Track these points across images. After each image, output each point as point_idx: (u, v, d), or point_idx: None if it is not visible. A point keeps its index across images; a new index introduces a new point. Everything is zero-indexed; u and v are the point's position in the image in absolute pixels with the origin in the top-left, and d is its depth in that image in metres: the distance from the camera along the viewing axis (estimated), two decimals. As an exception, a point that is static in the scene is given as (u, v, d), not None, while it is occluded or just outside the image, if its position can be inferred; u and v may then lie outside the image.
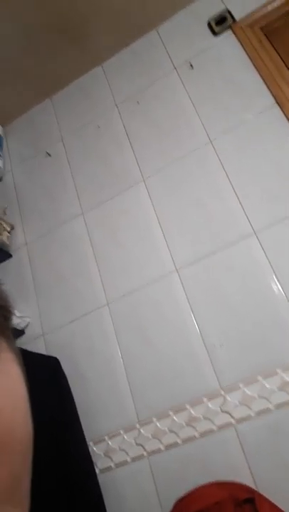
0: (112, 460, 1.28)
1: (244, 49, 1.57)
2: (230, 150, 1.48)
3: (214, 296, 1.32)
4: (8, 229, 1.72)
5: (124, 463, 1.26)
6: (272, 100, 1.47)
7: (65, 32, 1.71)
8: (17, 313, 1.56)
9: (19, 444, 0.21)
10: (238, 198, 1.41)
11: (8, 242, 1.71)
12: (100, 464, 1.29)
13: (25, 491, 0.22)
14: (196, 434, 1.20)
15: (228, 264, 1.33)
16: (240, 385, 1.20)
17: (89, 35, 1.76)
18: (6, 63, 1.75)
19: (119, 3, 1.66)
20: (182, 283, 1.38)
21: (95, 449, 1.31)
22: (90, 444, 1.31)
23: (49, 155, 1.83)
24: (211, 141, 1.52)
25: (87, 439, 1.28)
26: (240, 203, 1.40)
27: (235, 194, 1.42)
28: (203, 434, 1.19)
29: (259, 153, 1.43)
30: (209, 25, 1.67)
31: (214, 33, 1.65)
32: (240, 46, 1.59)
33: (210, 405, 1.20)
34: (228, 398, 1.19)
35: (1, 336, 0.22)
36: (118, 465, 1.27)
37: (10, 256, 1.71)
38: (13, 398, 0.22)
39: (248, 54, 1.56)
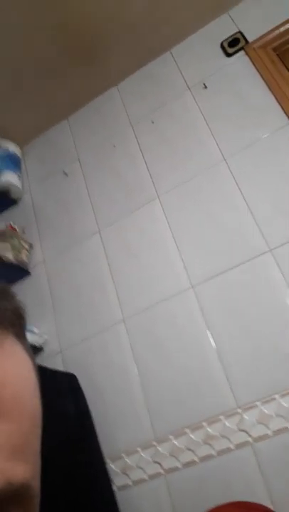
0: (129, 477, 1.29)
1: (257, 69, 1.60)
2: (244, 167, 1.50)
3: (230, 313, 1.33)
4: (27, 247, 1.77)
5: (141, 481, 1.27)
6: (285, 119, 1.49)
7: (81, 54, 1.77)
8: (35, 330, 1.59)
9: (27, 409, 0.24)
10: (252, 215, 1.42)
11: (26, 260, 1.75)
12: (117, 481, 1.30)
13: (35, 454, 0.25)
14: (214, 453, 1.20)
15: (244, 281, 1.35)
16: (258, 404, 1.20)
17: (104, 58, 1.82)
18: (24, 86, 1.82)
19: (134, 26, 1.72)
20: (198, 299, 1.40)
21: (113, 467, 1.32)
22: (108, 461, 1.32)
23: (66, 174, 1.88)
24: (225, 159, 1.55)
25: (104, 456, 1.30)
26: (254, 219, 1.41)
27: (250, 211, 1.43)
28: (220, 453, 1.19)
29: (273, 171, 1.45)
30: (222, 46, 1.71)
31: (227, 54, 1.69)
32: (253, 67, 1.62)
33: (227, 423, 1.21)
34: (245, 416, 1.20)
35: (9, 331, 0.26)
36: (135, 483, 1.27)
37: (28, 274, 1.76)
38: (20, 375, 0.25)
39: (260, 74, 1.59)
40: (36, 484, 0.24)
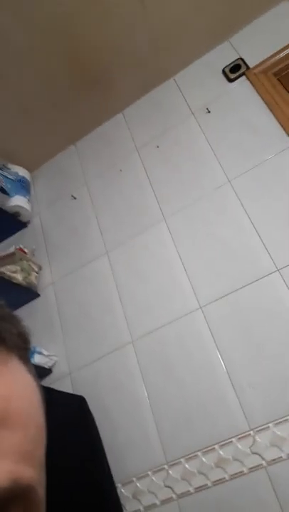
0: (140, 503, 1.26)
1: (259, 93, 1.65)
2: (249, 189, 1.53)
3: (240, 333, 1.32)
4: (36, 269, 1.79)
5: (153, 506, 1.24)
6: (288, 140, 1.52)
7: (88, 83, 1.84)
8: (44, 352, 1.59)
9: (33, 421, 0.26)
10: (258, 235, 1.44)
11: (36, 282, 1.78)
12: (128, 506, 1.27)
13: (40, 463, 0.26)
14: (226, 476, 1.18)
15: (252, 302, 1.35)
16: (270, 426, 1.18)
17: (110, 85, 1.89)
18: (33, 113, 1.89)
19: (138, 55, 1.79)
20: (206, 320, 1.40)
21: (123, 491, 1.30)
22: (118, 485, 1.30)
23: (74, 198, 1.92)
24: (229, 181, 1.57)
25: (114, 480, 1.28)
26: (261, 239, 1.43)
27: (256, 231, 1.45)
28: (233, 476, 1.17)
29: (277, 191, 1.47)
30: (224, 72, 1.77)
31: (229, 79, 1.74)
32: (254, 91, 1.67)
33: (239, 446, 1.19)
34: (258, 439, 1.18)
35: (14, 353, 0.28)
36: (147, 508, 1.25)
37: (38, 295, 1.77)
38: (25, 390, 0.27)
39: (262, 98, 1.64)
40: (42, 492, 0.25)
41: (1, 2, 1.44)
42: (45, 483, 0.29)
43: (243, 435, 1.20)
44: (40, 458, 0.26)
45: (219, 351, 1.33)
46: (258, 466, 1.15)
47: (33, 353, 1.54)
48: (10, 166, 2.02)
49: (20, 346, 0.29)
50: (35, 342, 1.60)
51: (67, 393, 1.46)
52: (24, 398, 0.26)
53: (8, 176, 1.96)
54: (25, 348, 0.30)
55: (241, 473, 1.16)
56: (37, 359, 1.54)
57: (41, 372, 1.56)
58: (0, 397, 0.24)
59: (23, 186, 2.00)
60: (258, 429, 1.19)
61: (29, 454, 0.24)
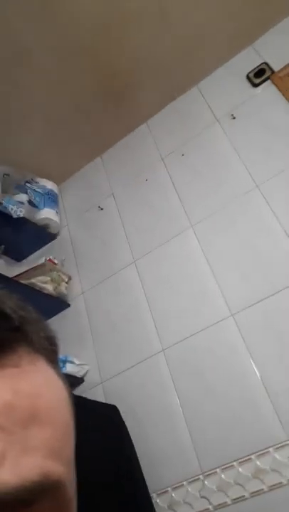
0: (176, 514, 1.25)
1: (285, 97, 1.63)
2: (277, 193, 1.51)
3: (274, 341, 1.30)
4: (66, 280, 1.82)
5: (189, 518, 1.22)
6: (316, 143, 1.50)
7: (112, 95, 1.87)
8: (76, 361, 1.61)
9: (61, 418, 0.27)
10: (289, 240, 1.41)
11: (66, 292, 1.80)
12: (164, 518, 1.26)
13: (69, 461, 0.26)
14: (264, 488, 1.14)
15: (286, 307, 1.32)
16: (309, 435, 1.14)
17: (133, 96, 1.91)
18: (59, 127, 1.93)
19: (160, 64, 1.81)
20: (238, 327, 1.38)
21: (159, 501, 1.28)
22: (153, 495, 1.29)
23: (101, 209, 1.95)
24: (257, 186, 1.56)
25: (149, 490, 1.27)
26: (291, 244, 1.40)
27: (286, 234, 1.42)
28: (271, 488, 1.13)
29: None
30: (248, 77, 1.77)
31: (254, 84, 1.74)
32: (280, 95, 1.66)
33: (277, 456, 1.16)
34: (296, 449, 1.14)
35: (42, 354, 0.29)
36: (183, 520, 1.23)
37: (68, 305, 1.80)
38: (53, 389, 0.28)
39: (288, 101, 1.62)
40: (72, 490, 0.26)
41: (25, 18, 1.49)
42: (78, 491, 0.30)
43: (280, 445, 1.17)
44: (68, 456, 0.26)
45: (252, 358, 1.31)
46: (297, 477, 1.12)
47: (64, 362, 1.56)
48: (38, 179, 2.07)
49: (48, 349, 0.30)
50: (66, 351, 1.62)
51: (100, 402, 1.46)
52: (52, 396, 0.27)
53: (37, 190, 2.02)
54: (54, 351, 0.31)
55: (280, 485, 1.13)
56: (68, 368, 1.56)
57: (73, 381, 1.58)
58: (30, 394, 0.25)
59: (52, 199, 2.04)
60: (296, 438, 1.16)
61: (58, 451, 0.25)
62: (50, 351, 0.30)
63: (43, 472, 0.23)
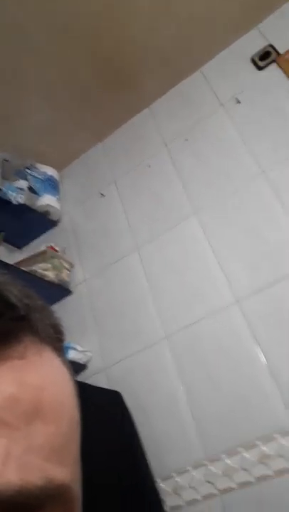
0: (181, 498, 1.25)
1: (290, 80, 1.60)
2: (283, 178, 1.49)
3: (279, 327, 1.29)
4: (68, 267, 1.80)
5: (194, 501, 1.23)
6: None
7: (114, 78, 1.83)
8: (79, 347, 1.60)
9: (66, 414, 0.26)
10: (294, 226, 1.40)
11: (68, 280, 1.79)
12: (169, 501, 1.26)
13: (74, 459, 0.25)
14: (270, 473, 1.15)
15: (291, 294, 1.31)
16: (314, 420, 1.14)
17: (136, 80, 1.88)
18: (60, 113, 1.90)
19: (163, 48, 1.77)
20: (243, 314, 1.37)
21: (164, 486, 1.29)
22: (158, 480, 1.29)
23: (103, 195, 1.93)
24: (263, 172, 1.54)
25: (154, 476, 1.27)
26: (297, 231, 1.39)
27: (291, 221, 1.41)
28: (278, 473, 1.14)
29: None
30: (253, 60, 1.73)
31: (259, 67, 1.70)
32: (285, 77, 1.62)
33: (283, 442, 1.16)
34: (302, 434, 1.14)
35: (48, 343, 0.28)
36: (189, 503, 1.23)
37: (70, 293, 1.79)
38: (58, 381, 0.27)
39: (294, 85, 1.59)
40: (77, 489, 0.25)
41: (23, 3, 1.45)
42: (82, 479, 0.29)
43: (287, 430, 1.17)
44: (73, 453, 0.25)
45: (259, 344, 1.30)
46: (303, 462, 1.12)
47: (67, 348, 1.55)
48: (38, 165, 2.04)
49: (54, 337, 0.29)
50: (69, 338, 1.61)
51: (103, 388, 1.46)
52: (58, 390, 0.26)
53: (37, 176, 1.99)
54: (60, 340, 0.30)
55: (287, 470, 1.13)
56: (71, 355, 1.55)
57: (76, 368, 1.57)
58: (34, 386, 0.24)
59: (52, 185, 2.01)
60: (302, 424, 1.16)
61: (62, 450, 0.24)
62: (56, 340, 0.29)
63: (46, 476, 0.22)
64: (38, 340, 0.26)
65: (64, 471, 0.23)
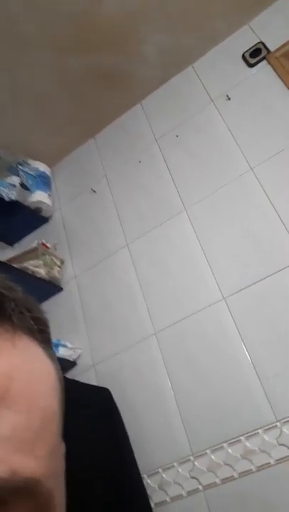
0: (166, 494, 1.27)
1: (280, 78, 1.60)
2: (272, 176, 1.49)
3: (265, 324, 1.30)
4: (59, 263, 1.81)
5: (179, 497, 1.24)
6: (311, 125, 1.47)
7: (105, 74, 1.82)
8: (69, 344, 1.61)
9: (39, 404, 0.25)
10: (283, 223, 1.40)
11: (58, 276, 1.79)
12: (154, 497, 1.28)
13: (49, 452, 0.24)
14: (253, 468, 1.16)
15: (278, 291, 1.32)
16: (297, 416, 1.16)
17: (127, 76, 1.87)
18: (51, 109, 1.89)
19: (155, 42, 1.76)
20: (230, 311, 1.38)
21: (149, 482, 1.30)
22: (144, 476, 1.31)
23: (94, 191, 1.93)
24: (252, 169, 1.54)
25: (140, 471, 1.28)
26: (285, 227, 1.39)
27: (280, 219, 1.41)
28: (260, 468, 1.15)
29: (301, 178, 1.43)
30: (244, 57, 1.73)
31: (249, 64, 1.70)
32: (276, 75, 1.62)
33: (266, 438, 1.17)
34: (285, 430, 1.15)
35: (25, 333, 0.27)
36: (173, 499, 1.25)
37: (61, 289, 1.79)
38: (33, 371, 0.26)
39: (284, 82, 1.59)
40: (51, 484, 0.24)
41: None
42: (64, 474, 0.28)
43: (269, 426, 1.18)
44: (48, 446, 0.24)
45: (244, 342, 1.31)
46: (285, 457, 1.13)
47: (57, 345, 1.56)
48: (30, 161, 2.03)
49: (35, 329, 0.28)
50: (59, 335, 1.62)
51: (92, 385, 1.47)
52: (31, 379, 0.25)
53: (29, 172, 1.98)
54: (41, 331, 0.29)
55: (268, 465, 1.15)
56: (61, 352, 1.56)
57: (66, 365, 1.58)
58: (2, 374, 0.23)
59: (44, 181, 2.01)
60: (285, 420, 1.17)
61: (33, 442, 0.23)
62: (37, 331, 0.28)
63: (12, 469, 0.21)
64: (12, 329, 0.26)
65: (34, 464, 0.22)
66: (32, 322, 0.28)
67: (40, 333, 0.29)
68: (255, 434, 1.19)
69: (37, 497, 0.22)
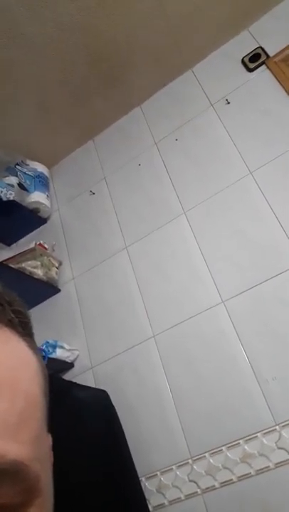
0: (165, 497, 1.26)
1: (280, 82, 1.61)
2: (271, 180, 1.50)
3: (264, 328, 1.30)
4: (57, 265, 1.80)
5: (177, 500, 1.24)
6: (310, 130, 1.49)
7: (105, 77, 1.83)
8: (66, 346, 1.60)
9: (22, 390, 0.25)
10: (282, 227, 1.41)
11: (56, 278, 1.78)
12: (152, 500, 1.27)
13: (34, 436, 0.25)
14: (252, 472, 1.16)
15: (277, 295, 1.32)
16: (296, 420, 1.16)
17: (127, 79, 1.87)
18: (51, 109, 1.89)
19: (155, 47, 1.77)
20: (229, 314, 1.38)
21: (147, 485, 1.30)
22: (142, 479, 1.30)
23: (93, 193, 1.92)
24: (251, 173, 1.55)
25: (138, 474, 1.28)
26: (284, 231, 1.40)
27: (279, 223, 1.42)
28: (259, 472, 1.15)
29: (300, 182, 1.44)
30: (243, 62, 1.74)
31: (249, 69, 1.71)
32: (275, 80, 1.63)
33: (265, 441, 1.17)
34: (284, 434, 1.16)
35: (6, 325, 0.28)
36: (171, 502, 1.25)
37: (59, 291, 1.78)
38: (15, 360, 0.27)
39: (283, 87, 1.60)
40: (38, 468, 0.24)
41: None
42: (51, 465, 0.29)
43: (268, 430, 1.18)
44: (33, 431, 0.25)
45: (242, 345, 1.32)
46: (284, 461, 1.14)
47: (54, 347, 1.55)
48: (28, 162, 2.03)
49: (16, 322, 0.29)
50: (56, 336, 1.62)
51: (90, 387, 1.47)
52: (12, 367, 0.26)
53: (27, 172, 1.98)
54: (22, 322, 0.30)
55: (267, 469, 1.15)
56: (59, 353, 1.55)
57: (63, 367, 1.57)
58: None
59: (42, 182, 2.01)
60: (284, 423, 1.17)
61: (17, 427, 0.23)
62: (18, 324, 0.29)
63: None
64: None
65: (19, 448, 0.23)
66: (13, 315, 0.29)
67: (22, 326, 0.30)
68: (254, 437, 1.19)
69: (24, 479, 0.23)
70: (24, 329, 0.30)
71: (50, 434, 0.31)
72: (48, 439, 0.30)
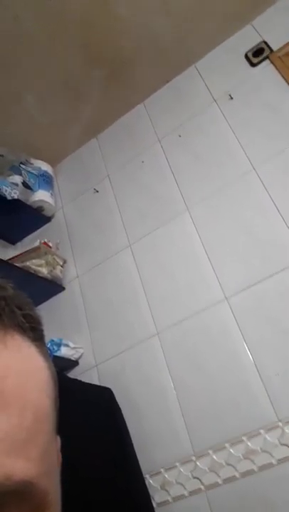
0: (169, 494, 1.27)
1: (283, 77, 1.60)
2: (275, 175, 1.49)
3: (267, 324, 1.30)
4: (61, 263, 1.81)
5: (181, 497, 1.24)
6: (314, 125, 1.47)
7: (108, 74, 1.83)
8: (71, 344, 1.61)
9: (31, 404, 0.24)
10: (285, 223, 1.40)
11: (61, 276, 1.79)
12: (157, 497, 1.28)
13: (42, 452, 0.24)
14: (255, 468, 1.16)
15: (280, 291, 1.32)
16: (300, 417, 1.15)
17: (130, 76, 1.87)
18: (54, 108, 1.89)
19: (158, 42, 1.76)
20: (232, 311, 1.38)
21: (152, 482, 1.30)
22: (146, 476, 1.31)
23: (97, 191, 1.93)
24: (254, 168, 1.54)
25: (142, 471, 1.28)
26: (287, 225, 1.39)
27: (283, 219, 1.41)
28: (262, 468, 1.15)
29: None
30: (247, 57, 1.72)
31: (252, 64, 1.69)
32: (279, 75, 1.62)
33: (268, 438, 1.17)
34: (287, 430, 1.15)
35: (17, 332, 0.27)
36: (175, 499, 1.25)
37: (63, 289, 1.79)
38: (25, 371, 0.26)
39: (287, 81, 1.58)
40: (45, 484, 0.23)
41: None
42: (59, 469, 0.28)
43: (271, 426, 1.18)
44: (41, 447, 0.24)
45: (246, 341, 1.31)
46: (287, 457, 1.13)
47: (59, 345, 1.56)
48: (32, 160, 2.04)
49: (26, 327, 0.28)
50: (61, 334, 1.62)
51: (94, 385, 1.47)
52: (24, 379, 0.25)
53: (31, 171, 1.99)
54: (33, 328, 0.29)
55: (270, 465, 1.14)
56: (63, 351, 1.56)
57: (68, 365, 1.58)
58: None
59: (46, 181, 2.01)
60: (287, 420, 1.17)
61: (26, 443, 0.23)
62: (29, 329, 0.28)
63: (4, 473, 0.21)
64: (3, 329, 0.26)
65: (27, 465, 0.22)
66: (23, 320, 0.28)
67: (33, 330, 0.29)
68: (257, 434, 1.19)
69: (31, 498, 0.22)
70: (35, 334, 0.29)
71: (58, 436, 0.30)
72: (57, 443, 0.29)
